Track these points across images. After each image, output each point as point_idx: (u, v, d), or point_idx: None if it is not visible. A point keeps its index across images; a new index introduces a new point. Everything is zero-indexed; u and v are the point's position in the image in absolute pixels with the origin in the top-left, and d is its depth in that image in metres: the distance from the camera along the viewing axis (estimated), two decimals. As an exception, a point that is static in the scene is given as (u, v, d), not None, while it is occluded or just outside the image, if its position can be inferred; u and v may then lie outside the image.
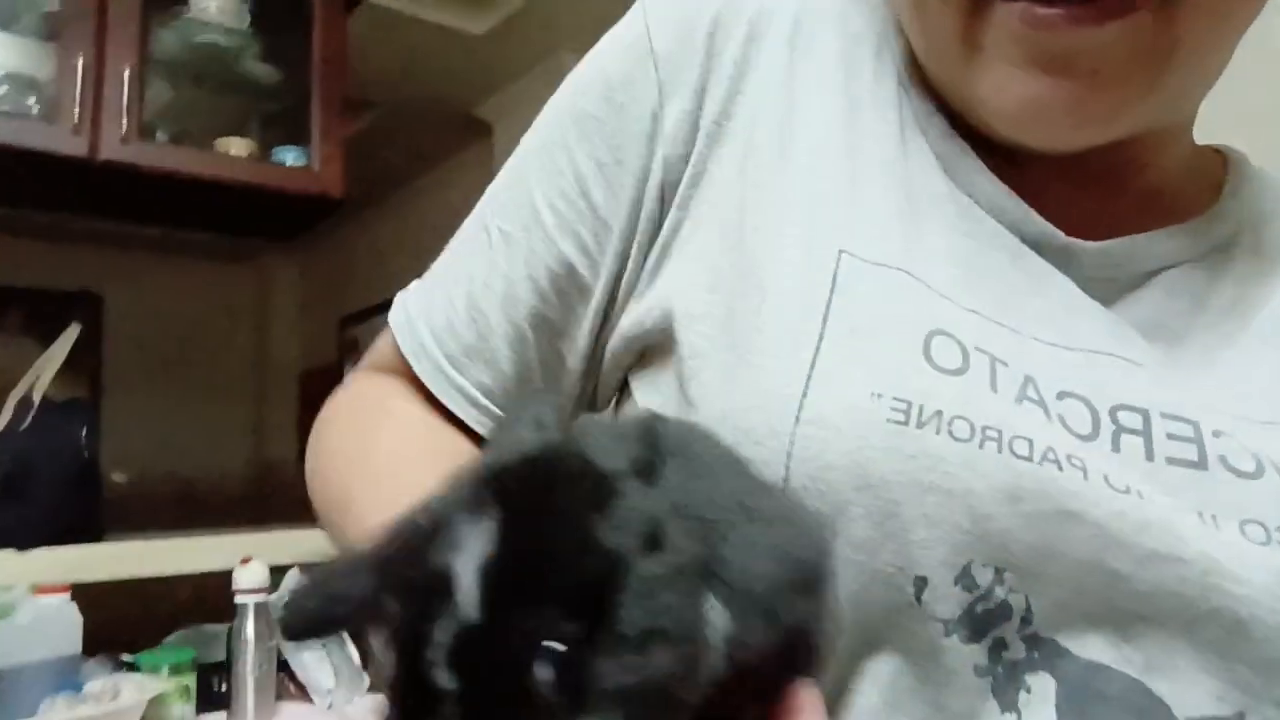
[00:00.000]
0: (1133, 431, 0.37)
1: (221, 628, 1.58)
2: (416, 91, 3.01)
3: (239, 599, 1.41)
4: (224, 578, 1.43)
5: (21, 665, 1.19)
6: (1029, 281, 0.41)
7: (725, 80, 0.44)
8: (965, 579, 0.35)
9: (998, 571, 0.35)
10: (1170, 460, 0.37)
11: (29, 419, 1.44)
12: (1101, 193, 0.44)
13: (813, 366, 0.37)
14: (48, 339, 3.58)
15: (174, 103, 1.70)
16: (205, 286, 3.78)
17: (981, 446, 0.35)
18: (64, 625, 1.25)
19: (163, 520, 2.78)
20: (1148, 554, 0.34)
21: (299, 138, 1.73)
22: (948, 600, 0.35)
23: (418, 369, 0.50)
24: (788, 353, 0.37)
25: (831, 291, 0.38)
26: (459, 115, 3.14)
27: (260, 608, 1.41)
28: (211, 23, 1.72)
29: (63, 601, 1.26)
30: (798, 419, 0.36)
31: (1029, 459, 0.35)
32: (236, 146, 1.66)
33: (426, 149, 3.50)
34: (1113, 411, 0.38)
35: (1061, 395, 0.38)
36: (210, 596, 1.48)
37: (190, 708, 1.36)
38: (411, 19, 2.54)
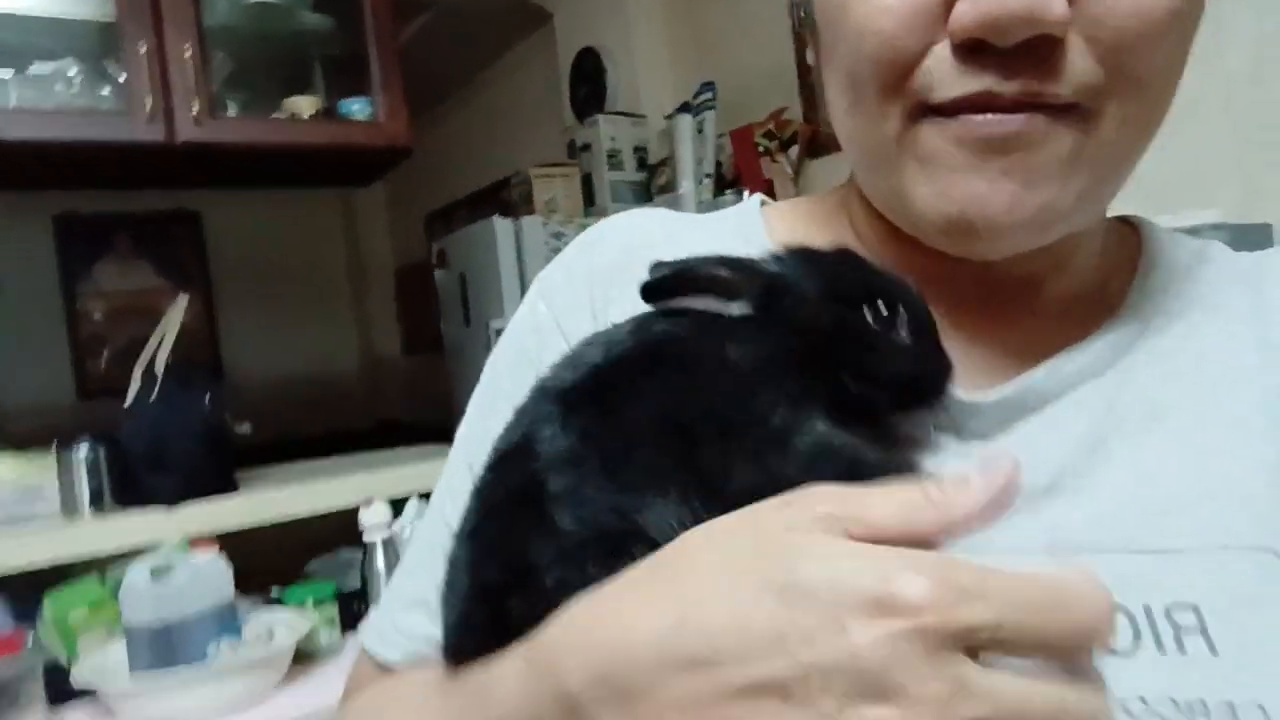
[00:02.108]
0: None
1: (354, 551, 1.73)
2: (471, -14, 2.95)
3: (366, 537, 1.55)
4: (351, 513, 1.56)
5: (186, 616, 1.30)
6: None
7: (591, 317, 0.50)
8: None
9: None
10: None
11: (156, 390, 1.56)
12: (1019, 309, 0.47)
13: None
14: (156, 258, 3.76)
15: (237, 71, 1.72)
16: (294, 201, 3.89)
17: None
18: (218, 576, 1.35)
19: (289, 426, 2.98)
20: None
21: (362, 86, 1.74)
22: None
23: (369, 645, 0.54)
24: None
25: None
26: (516, 5, 3.07)
27: (387, 543, 1.55)
28: (261, -17, 1.71)
29: (214, 556, 1.38)
30: None
31: None
32: (304, 104, 1.68)
33: (488, 43, 3.45)
34: None
35: None
36: (341, 528, 1.61)
37: (336, 632, 1.50)
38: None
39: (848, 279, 0.42)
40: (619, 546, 0.35)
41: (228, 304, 3.84)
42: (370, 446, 2.11)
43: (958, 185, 0.40)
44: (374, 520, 1.55)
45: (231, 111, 1.65)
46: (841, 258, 0.43)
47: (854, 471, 0.36)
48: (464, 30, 3.29)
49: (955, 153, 0.39)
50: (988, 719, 0.27)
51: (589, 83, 2.86)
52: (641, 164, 2.68)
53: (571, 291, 0.52)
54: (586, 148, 2.67)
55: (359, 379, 4.29)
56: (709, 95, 2.49)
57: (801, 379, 0.38)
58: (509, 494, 0.39)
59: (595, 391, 0.39)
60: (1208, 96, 1.48)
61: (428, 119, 4.01)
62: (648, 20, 2.74)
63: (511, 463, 0.40)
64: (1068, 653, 0.29)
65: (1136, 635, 0.38)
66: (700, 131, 2.48)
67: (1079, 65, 0.38)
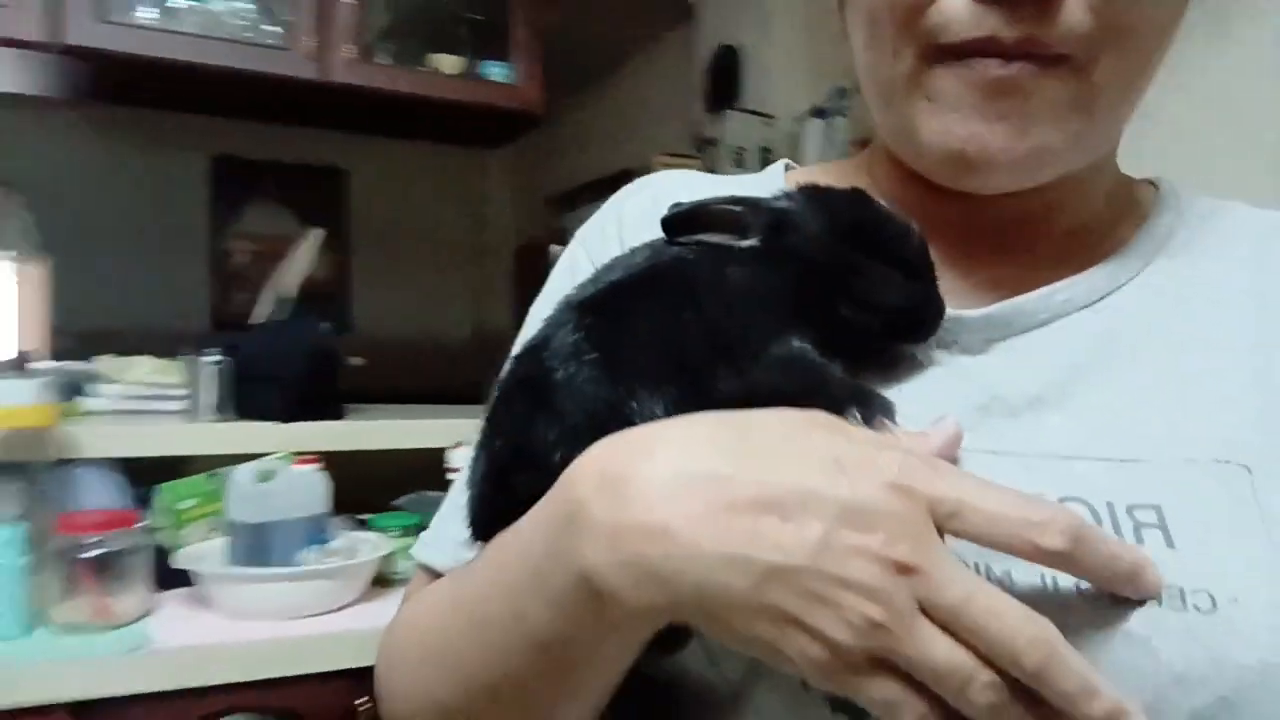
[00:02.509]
0: None
1: (441, 494, 1.80)
2: (619, -24, 3.01)
3: (451, 476, 1.62)
4: (441, 452, 1.63)
5: (282, 521, 1.38)
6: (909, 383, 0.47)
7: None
8: None
9: None
10: None
11: (281, 311, 1.67)
12: (1021, 246, 0.50)
13: None
14: (300, 208, 3.96)
15: (391, 24, 1.83)
16: (429, 166, 4.04)
17: None
18: (315, 489, 1.44)
19: (396, 381, 3.10)
20: None
21: (504, 52, 1.83)
22: None
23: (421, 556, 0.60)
24: None
25: None
26: (664, -1, 3.13)
27: (470, 484, 1.61)
28: (420, -58, 1.81)
29: (315, 470, 1.46)
30: None
31: None
32: (448, 63, 1.78)
33: (630, 35, 3.52)
34: None
35: None
36: (432, 467, 1.69)
37: (413, 564, 1.58)
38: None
39: (851, 216, 0.45)
40: (610, 433, 0.38)
41: (360, 260, 4.01)
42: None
43: (960, 124, 0.44)
44: (461, 462, 1.61)
45: (382, 60, 1.76)
46: (849, 196, 0.46)
47: (816, 386, 0.40)
48: (608, 20, 3.37)
49: (962, 95, 0.43)
50: (936, 573, 0.31)
51: (724, 80, 2.89)
52: (765, 163, 2.66)
53: (604, 234, 0.58)
54: (713, 142, 2.70)
55: (468, 347, 4.42)
56: (842, 102, 2.50)
57: (791, 303, 0.42)
58: (521, 381, 0.44)
59: (607, 300, 0.44)
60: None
61: (569, 103, 4.12)
62: (789, 22, 2.76)
63: (529, 356, 0.45)
64: (1016, 548, 0.33)
65: (1096, 524, 0.40)
66: (829, 137, 2.48)
67: (1074, 15, 0.41)
